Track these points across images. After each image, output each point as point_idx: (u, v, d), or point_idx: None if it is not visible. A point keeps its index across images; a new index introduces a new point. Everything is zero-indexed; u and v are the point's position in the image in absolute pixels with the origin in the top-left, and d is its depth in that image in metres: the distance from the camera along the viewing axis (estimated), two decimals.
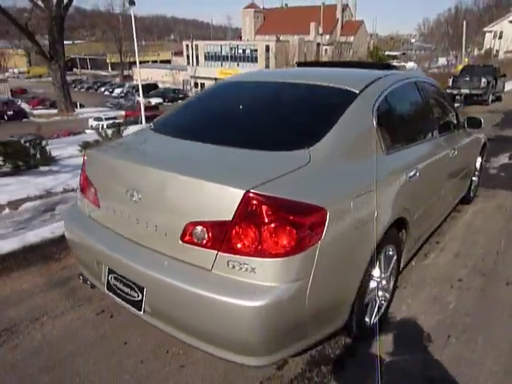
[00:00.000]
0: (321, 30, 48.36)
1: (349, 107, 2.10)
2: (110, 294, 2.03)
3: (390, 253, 2.35)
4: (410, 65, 51.58)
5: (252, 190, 1.56)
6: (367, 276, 2.02)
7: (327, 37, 57.88)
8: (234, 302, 1.54)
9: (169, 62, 68.08)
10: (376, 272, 2.23)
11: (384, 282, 2.36)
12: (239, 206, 1.57)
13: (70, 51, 60.80)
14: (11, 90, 40.78)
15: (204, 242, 1.65)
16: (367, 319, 2.24)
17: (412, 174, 2.33)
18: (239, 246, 1.59)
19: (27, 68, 65.56)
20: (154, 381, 2.03)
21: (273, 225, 1.56)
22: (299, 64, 3.46)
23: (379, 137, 2.17)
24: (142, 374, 2.07)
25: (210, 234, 1.64)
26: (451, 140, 3.24)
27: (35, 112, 32.25)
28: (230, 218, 1.59)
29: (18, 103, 32.64)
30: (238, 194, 1.57)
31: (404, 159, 2.35)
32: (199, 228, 1.66)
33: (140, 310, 1.87)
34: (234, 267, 1.61)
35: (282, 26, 63.39)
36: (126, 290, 1.91)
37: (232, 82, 2.88)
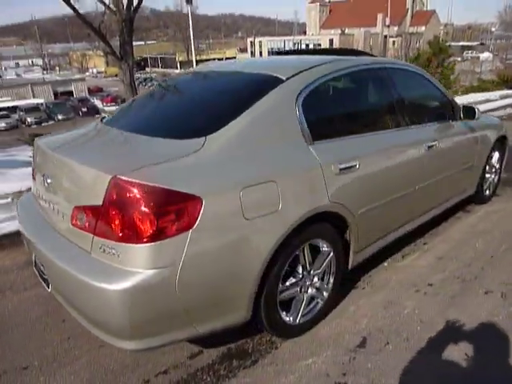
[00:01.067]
0: (388, 21, 46.11)
1: (267, 94, 2.01)
2: (35, 271, 2.16)
3: (325, 249, 2.21)
4: (485, 55, 47.29)
5: (118, 176, 1.57)
6: (275, 270, 1.92)
7: (395, 28, 55.13)
8: (99, 285, 1.57)
9: (234, 58, 69.42)
10: (300, 268, 2.12)
11: (315, 280, 2.23)
12: (107, 190, 1.58)
13: (142, 51, 64.48)
14: (88, 89, 44.29)
15: (85, 226, 1.70)
16: (288, 318, 2.13)
17: (345, 166, 2.14)
18: (107, 230, 1.61)
19: (105, 68, 70.73)
20: (68, 358, 2.12)
21: (135, 211, 1.55)
22: (277, 53, 3.38)
23: (302, 125, 2.04)
24: (63, 350, 2.17)
25: (88, 219, 1.68)
26: (434, 132, 2.94)
27: (107, 109, 34.72)
28: (101, 203, 1.61)
29: (92, 100, 35.40)
30: (106, 178, 1.58)
31: (337, 150, 2.17)
32: (81, 212, 1.70)
33: (48, 288, 1.98)
34: (104, 251, 1.63)
35: (348, 18, 61.57)
36: (42, 268, 2.02)
37: (191, 73, 2.89)
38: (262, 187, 1.80)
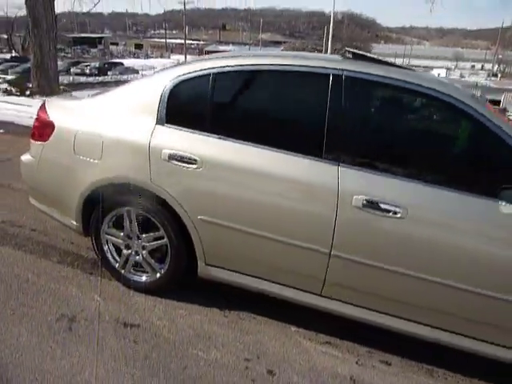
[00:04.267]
0: None
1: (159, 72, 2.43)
2: None
3: (159, 230, 2.26)
4: None
5: (45, 100, 2.59)
6: (97, 210, 2.32)
7: None
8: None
9: None
10: (125, 227, 2.36)
11: (144, 252, 2.36)
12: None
13: None
14: None
15: None
16: (116, 262, 2.45)
17: (176, 156, 2.10)
18: None
19: None
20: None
21: (32, 122, 2.54)
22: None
23: (162, 107, 2.19)
24: None
25: None
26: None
27: None
28: None
29: None
30: None
31: (177, 139, 2.13)
32: None
33: None
34: None
35: None
36: None
37: None
38: (90, 137, 2.29)
